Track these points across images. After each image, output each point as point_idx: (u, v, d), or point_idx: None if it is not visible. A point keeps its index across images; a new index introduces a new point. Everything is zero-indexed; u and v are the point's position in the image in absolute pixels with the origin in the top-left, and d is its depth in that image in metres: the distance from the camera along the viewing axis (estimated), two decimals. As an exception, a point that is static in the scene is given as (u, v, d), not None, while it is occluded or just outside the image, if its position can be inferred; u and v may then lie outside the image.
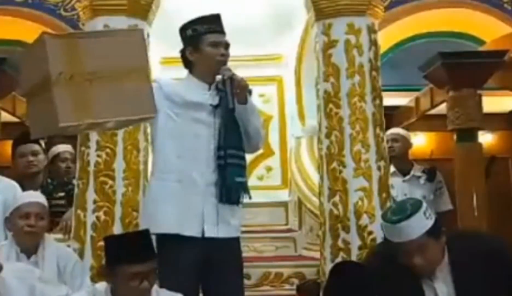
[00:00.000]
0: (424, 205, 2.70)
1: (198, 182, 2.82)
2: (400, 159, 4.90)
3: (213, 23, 2.92)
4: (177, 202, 2.80)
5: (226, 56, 2.91)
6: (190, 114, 2.85)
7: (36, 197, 3.31)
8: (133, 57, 2.27)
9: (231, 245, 2.87)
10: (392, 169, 4.87)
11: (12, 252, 3.13)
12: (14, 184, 3.60)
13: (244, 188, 2.86)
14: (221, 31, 2.93)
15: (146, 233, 2.60)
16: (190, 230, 2.79)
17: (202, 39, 2.89)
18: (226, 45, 2.92)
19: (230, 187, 2.81)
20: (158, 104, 2.65)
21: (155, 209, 2.84)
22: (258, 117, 2.99)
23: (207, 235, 2.79)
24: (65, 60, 2.17)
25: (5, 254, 3.08)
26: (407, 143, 5.00)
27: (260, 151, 3.72)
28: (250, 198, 2.89)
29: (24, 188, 4.00)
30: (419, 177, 4.86)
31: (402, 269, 2.67)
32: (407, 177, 4.86)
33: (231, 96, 2.78)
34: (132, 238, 2.65)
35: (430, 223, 2.65)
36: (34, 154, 4.15)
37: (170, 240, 2.78)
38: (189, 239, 2.78)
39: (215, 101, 2.87)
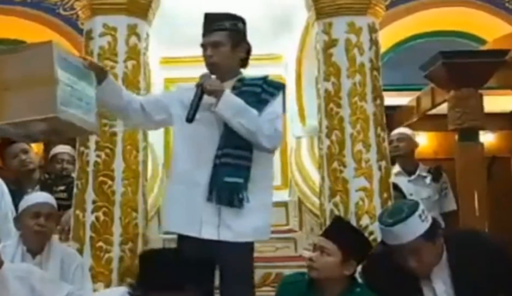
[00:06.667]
0: (421, 207, 2.69)
1: (200, 183, 2.81)
2: (406, 159, 4.90)
3: (203, 25, 2.95)
4: (181, 203, 2.84)
5: (209, 57, 2.91)
6: (197, 116, 2.81)
7: (47, 197, 3.35)
8: (41, 66, 2.56)
9: (234, 249, 2.79)
10: (398, 168, 4.87)
11: (18, 251, 3.18)
12: (0, 182, 3.64)
13: (236, 189, 2.77)
14: (205, 33, 2.93)
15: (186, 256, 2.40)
16: (189, 230, 2.81)
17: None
18: (212, 44, 2.89)
19: (219, 187, 2.77)
20: (171, 107, 2.95)
21: (166, 209, 3.01)
22: (244, 116, 2.79)
23: (204, 236, 2.79)
24: None
25: (11, 253, 3.11)
26: (412, 143, 4.99)
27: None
28: (247, 201, 2.79)
29: (22, 186, 4.01)
30: (424, 177, 4.85)
31: (400, 269, 2.67)
32: (413, 177, 4.85)
33: (192, 105, 2.78)
34: (172, 262, 2.31)
35: (425, 225, 2.65)
36: (25, 151, 4.16)
37: (179, 239, 2.89)
38: (190, 239, 2.80)
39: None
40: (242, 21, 3.02)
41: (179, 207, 2.85)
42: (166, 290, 2.20)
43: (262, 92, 2.88)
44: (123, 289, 2.55)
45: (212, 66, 2.90)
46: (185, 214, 2.83)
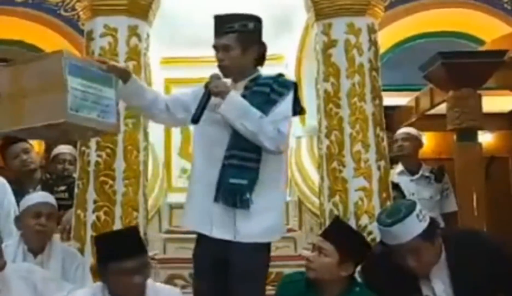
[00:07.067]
0: (418, 207, 2.70)
1: (212, 183, 2.82)
2: (409, 158, 4.92)
3: (213, 26, 2.93)
4: (196, 201, 2.89)
5: (220, 60, 2.90)
6: (208, 116, 2.83)
7: (48, 197, 3.37)
8: (52, 74, 2.68)
9: (242, 249, 2.78)
10: (401, 168, 4.89)
11: (19, 251, 3.20)
12: (3, 182, 3.65)
13: (240, 191, 2.76)
14: (215, 34, 2.91)
15: (134, 229, 2.81)
16: (202, 228, 2.86)
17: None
18: (222, 47, 2.88)
19: (225, 188, 2.78)
20: (191, 106, 2.90)
21: (184, 207, 3.02)
22: (247, 118, 2.76)
23: (214, 235, 2.81)
24: (8, 83, 2.77)
25: (12, 252, 3.13)
26: (416, 143, 5.00)
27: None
28: (252, 202, 2.76)
29: (23, 186, 4.02)
30: (427, 177, 4.86)
31: (400, 269, 2.68)
32: (415, 177, 4.86)
33: (199, 106, 2.79)
34: (121, 235, 2.79)
35: (423, 225, 2.67)
36: (26, 151, 4.17)
37: (197, 237, 2.94)
38: (204, 237, 2.86)
39: None
40: (256, 19, 2.96)
41: (194, 205, 2.90)
42: (121, 259, 2.55)
43: (271, 92, 2.85)
44: (99, 284, 2.66)
45: (223, 69, 2.89)
46: (199, 212, 2.87)
